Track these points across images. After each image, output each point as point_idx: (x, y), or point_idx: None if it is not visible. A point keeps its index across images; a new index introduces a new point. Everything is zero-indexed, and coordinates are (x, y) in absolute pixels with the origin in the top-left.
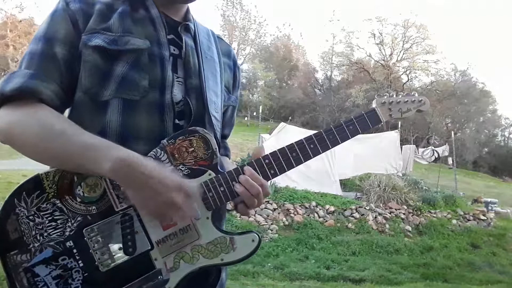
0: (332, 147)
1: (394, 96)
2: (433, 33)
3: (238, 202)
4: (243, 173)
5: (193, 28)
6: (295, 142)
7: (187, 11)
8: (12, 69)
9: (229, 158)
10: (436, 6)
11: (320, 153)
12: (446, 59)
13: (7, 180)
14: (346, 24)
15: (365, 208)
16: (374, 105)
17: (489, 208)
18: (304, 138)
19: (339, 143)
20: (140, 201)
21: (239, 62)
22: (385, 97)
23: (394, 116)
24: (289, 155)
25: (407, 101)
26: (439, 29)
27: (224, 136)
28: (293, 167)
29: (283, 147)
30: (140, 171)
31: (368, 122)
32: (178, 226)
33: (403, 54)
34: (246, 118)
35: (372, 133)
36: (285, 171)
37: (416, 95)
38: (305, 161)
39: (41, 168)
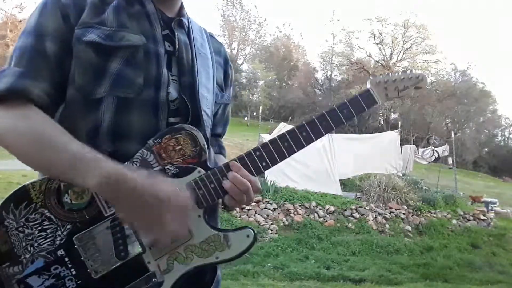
0: (325, 134)
1: (390, 75)
2: (433, 33)
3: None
4: (231, 169)
5: (187, 24)
6: (287, 131)
7: (181, 6)
8: None
9: (225, 157)
10: (436, 6)
11: (314, 141)
12: (446, 59)
13: (7, 180)
14: (346, 24)
15: (365, 208)
16: (368, 85)
17: (489, 208)
18: (296, 126)
19: (333, 129)
20: (127, 216)
21: (239, 62)
22: (380, 76)
23: (391, 95)
24: (281, 145)
25: (404, 78)
26: (439, 29)
27: (219, 135)
28: (286, 157)
29: (274, 137)
30: (128, 186)
31: (362, 104)
32: None
33: (403, 54)
34: (246, 118)
35: (372, 133)
36: (278, 162)
37: (414, 71)
38: (298, 150)
39: None
